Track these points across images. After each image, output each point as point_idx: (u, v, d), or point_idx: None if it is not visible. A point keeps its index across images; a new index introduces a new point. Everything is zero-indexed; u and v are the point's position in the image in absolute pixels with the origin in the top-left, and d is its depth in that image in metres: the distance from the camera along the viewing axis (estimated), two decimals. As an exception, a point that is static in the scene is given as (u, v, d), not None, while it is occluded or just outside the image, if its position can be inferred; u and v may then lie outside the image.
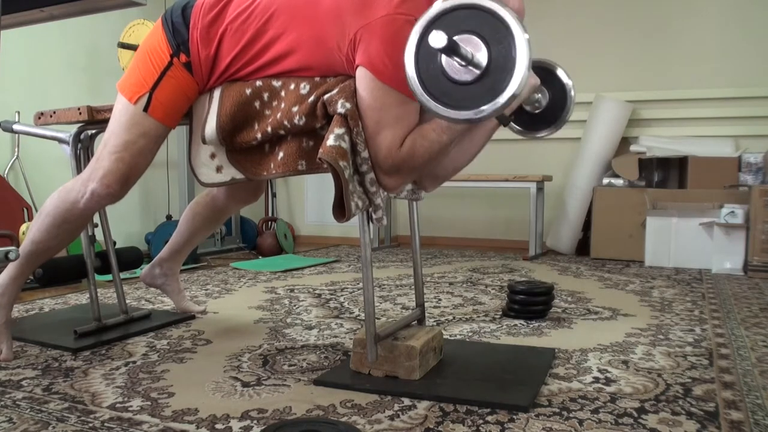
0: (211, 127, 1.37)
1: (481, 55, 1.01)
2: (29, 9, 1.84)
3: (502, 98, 1.01)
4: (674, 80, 3.72)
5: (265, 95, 1.34)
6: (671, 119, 3.72)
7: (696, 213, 3.20)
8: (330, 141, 1.20)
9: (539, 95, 1.52)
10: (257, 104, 1.34)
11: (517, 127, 1.57)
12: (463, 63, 1.02)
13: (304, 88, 1.30)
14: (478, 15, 1.02)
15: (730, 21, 3.59)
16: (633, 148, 3.57)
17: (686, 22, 3.68)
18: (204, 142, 1.40)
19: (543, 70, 1.51)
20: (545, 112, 1.54)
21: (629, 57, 3.81)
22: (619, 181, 3.50)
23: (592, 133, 3.63)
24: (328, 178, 1.25)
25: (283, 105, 1.31)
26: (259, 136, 1.33)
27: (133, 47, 3.22)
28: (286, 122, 1.29)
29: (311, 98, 1.27)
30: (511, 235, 4.16)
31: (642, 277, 2.86)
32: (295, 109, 1.28)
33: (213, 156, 1.43)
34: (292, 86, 1.31)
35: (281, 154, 1.33)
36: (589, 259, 3.49)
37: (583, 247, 3.70)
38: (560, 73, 1.52)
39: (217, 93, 1.39)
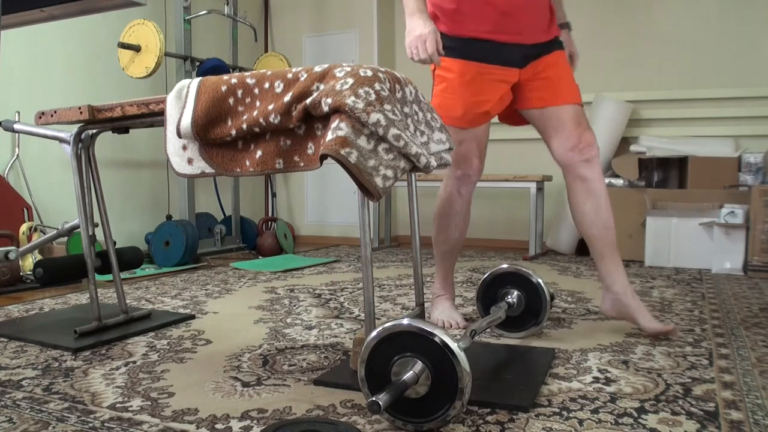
0: (186, 121, 1.37)
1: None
2: (29, 9, 1.84)
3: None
4: (674, 80, 3.72)
5: (239, 92, 1.35)
6: (671, 119, 3.72)
7: (696, 213, 3.20)
8: (328, 136, 1.20)
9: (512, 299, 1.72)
10: (231, 101, 1.36)
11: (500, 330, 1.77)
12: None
13: (279, 86, 1.31)
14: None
15: (730, 21, 3.59)
16: (633, 148, 3.57)
17: (686, 22, 3.69)
18: (179, 135, 1.40)
19: (517, 276, 1.72)
20: (523, 314, 1.73)
21: (629, 57, 3.81)
22: (619, 181, 3.50)
23: (592, 133, 3.63)
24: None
25: (258, 103, 1.32)
26: (233, 132, 1.34)
27: (133, 47, 3.23)
28: (261, 120, 1.29)
29: (286, 98, 1.27)
30: (511, 235, 4.17)
31: (642, 277, 2.86)
32: (270, 107, 1.29)
33: (185, 148, 1.43)
34: (267, 85, 1.32)
35: (259, 153, 1.33)
36: (589, 259, 3.49)
37: (583, 247, 3.70)
38: (532, 276, 1.70)
39: (193, 88, 1.39)
